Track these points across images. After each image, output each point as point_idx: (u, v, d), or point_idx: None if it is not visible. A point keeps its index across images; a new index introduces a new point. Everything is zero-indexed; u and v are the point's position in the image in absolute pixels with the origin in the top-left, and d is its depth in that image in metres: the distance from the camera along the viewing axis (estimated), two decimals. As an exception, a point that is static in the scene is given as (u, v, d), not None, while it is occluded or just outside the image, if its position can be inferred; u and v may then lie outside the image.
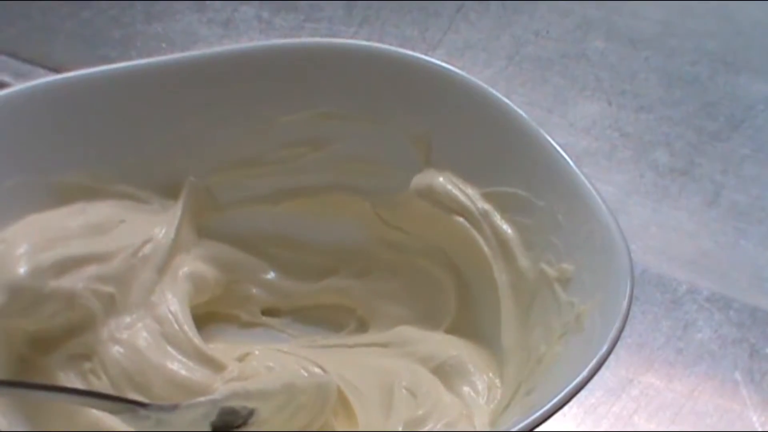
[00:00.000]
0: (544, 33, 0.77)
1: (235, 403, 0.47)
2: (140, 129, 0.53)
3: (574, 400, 0.42)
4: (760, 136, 0.71)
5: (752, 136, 0.71)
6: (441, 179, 0.53)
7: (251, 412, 0.47)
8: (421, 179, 0.54)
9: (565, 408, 0.42)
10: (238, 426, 0.47)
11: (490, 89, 0.52)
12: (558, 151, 0.49)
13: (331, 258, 0.57)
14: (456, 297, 0.54)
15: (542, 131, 0.50)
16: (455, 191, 0.53)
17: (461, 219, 0.52)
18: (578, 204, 0.48)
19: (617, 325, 0.43)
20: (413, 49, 0.55)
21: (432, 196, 0.53)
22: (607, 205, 0.47)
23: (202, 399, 0.47)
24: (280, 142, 0.55)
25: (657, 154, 0.70)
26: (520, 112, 0.51)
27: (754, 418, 0.58)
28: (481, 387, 0.50)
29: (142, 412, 0.45)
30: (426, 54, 0.56)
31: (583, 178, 0.48)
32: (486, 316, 0.52)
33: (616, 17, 0.78)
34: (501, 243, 0.51)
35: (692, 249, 0.65)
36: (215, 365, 0.49)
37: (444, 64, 0.53)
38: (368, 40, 0.74)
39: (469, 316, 0.54)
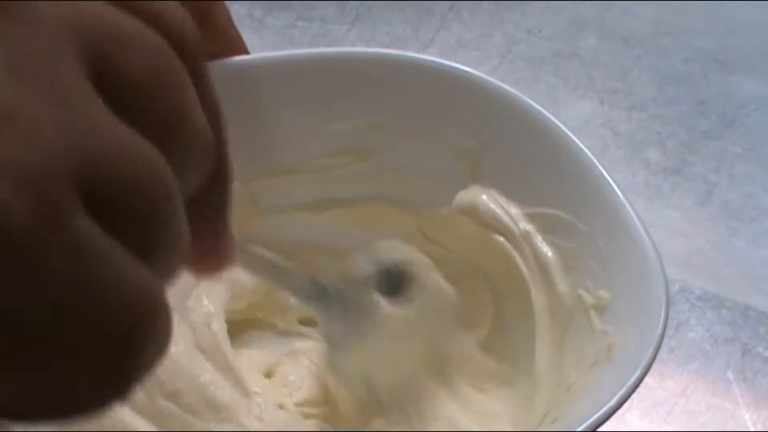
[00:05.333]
0: (537, 31, 0.77)
1: None
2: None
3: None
4: (752, 135, 0.71)
5: (745, 135, 0.71)
6: (485, 197, 0.51)
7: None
8: (464, 196, 0.52)
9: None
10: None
11: (542, 110, 0.50)
12: (604, 176, 0.48)
13: None
14: (492, 317, 0.53)
15: (590, 154, 0.49)
16: (498, 210, 0.51)
17: (502, 239, 0.51)
18: (620, 231, 0.47)
19: (646, 359, 0.42)
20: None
21: (475, 214, 0.52)
22: (650, 236, 0.46)
23: None
24: (325, 150, 0.53)
25: (649, 153, 0.70)
26: (571, 135, 0.49)
27: (746, 417, 0.58)
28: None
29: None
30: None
31: (627, 205, 0.47)
32: (520, 339, 0.51)
33: (608, 15, 0.78)
34: (540, 266, 0.50)
35: (684, 248, 0.65)
36: (242, 389, 0.49)
37: (499, 84, 0.51)
38: (360, 38, 0.73)
39: (503, 336, 0.53)
